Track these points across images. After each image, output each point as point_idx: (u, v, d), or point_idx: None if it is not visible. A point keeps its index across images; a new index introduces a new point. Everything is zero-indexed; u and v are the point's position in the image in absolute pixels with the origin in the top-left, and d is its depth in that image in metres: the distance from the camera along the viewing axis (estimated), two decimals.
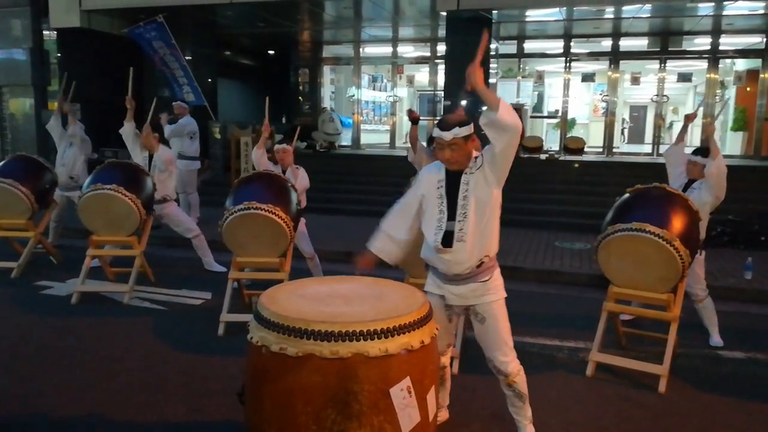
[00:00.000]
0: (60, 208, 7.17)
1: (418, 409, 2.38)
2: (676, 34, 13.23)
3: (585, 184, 10.33)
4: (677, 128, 5.12)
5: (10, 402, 3.58)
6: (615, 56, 13.61)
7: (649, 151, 14.30)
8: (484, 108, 2.66)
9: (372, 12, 12.19)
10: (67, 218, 7.30)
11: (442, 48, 13.35)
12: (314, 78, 15.64)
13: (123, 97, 6.32)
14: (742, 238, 7.92)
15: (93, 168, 5.97)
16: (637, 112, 21.28)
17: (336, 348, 2.24)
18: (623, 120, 19.59)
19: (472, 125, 2.80)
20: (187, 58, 10.70)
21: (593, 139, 15.65)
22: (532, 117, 15.58)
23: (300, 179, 5.49)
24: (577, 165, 11.12)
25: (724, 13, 11.06)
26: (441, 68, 13.51)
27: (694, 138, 15.07)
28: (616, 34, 13.21)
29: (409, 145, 5.77)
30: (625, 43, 13.43)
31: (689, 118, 5.13)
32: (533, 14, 11.84)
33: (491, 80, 11.63)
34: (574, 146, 12.63)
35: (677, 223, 3.90)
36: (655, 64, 13.89)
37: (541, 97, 16.77)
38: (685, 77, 15.30)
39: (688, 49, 13.73)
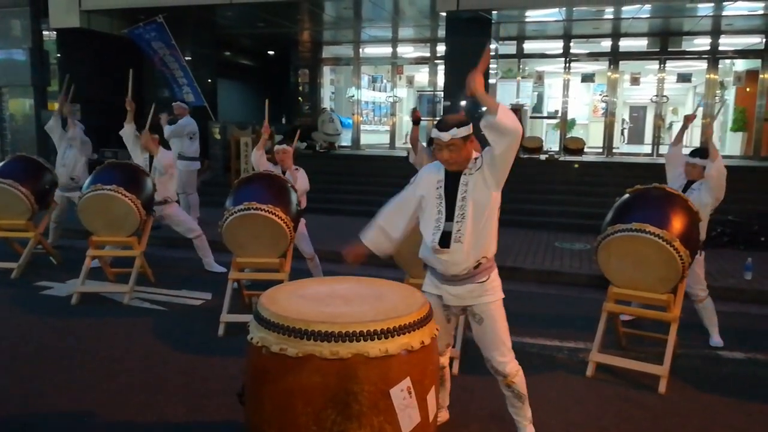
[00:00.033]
0: (60, 208, 7.17)
1: (418, 409, 2.38)
2: (675, 35, 13.24)
3: (585, 185, 10.33)
4: (677, 129, 5.15)
5: (10, 402, 3.58)
6: (615, 57, 13.61)
7: (649, 151, 14.31)
8: (485, 109, 2.67)
9: (372, 12, 12.19)
10: (67, 219, 7.29)
11: (441, 48, 13.35)
12: (314, 78, 15.65)
13: (123, 98, 6.33)
14: (742, 238, 7.92)
15: (93, 168, 5.97)
16: (637, 113, 21.29)
17: (336, 348, 2.24)
18: (623, 120, 19.61)
19: (470, 126, 2.80)
20: (186, 58, 10.71)
21: (593, 139, 15.65)
22: (531, 117, 15.59)
23: (300, 181, 5.47)
24: (576, 165, 11.12)
25: (724, 13, 11.07)
26: (441, 69, 13.51)
27: (694, 138, 15.10)
28: (616, 35, 13.22)
29: (409, 145, 5.77)
30: (625, 44, 13.44)
31: (688, 119, 5.14)
32: (533, 15, 11.84)
33: (491, 81, 11.64)
34: (573, 147, 12.63)
35: (677, 223, 3.90)
36: (654, 65, 13.89)
37: (540, 98, 16.77)
38: (684, 78, 15.31)
39: (687, 49, 13.74)
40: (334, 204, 9.92)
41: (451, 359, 3.92)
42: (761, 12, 10.97)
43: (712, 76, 13.23)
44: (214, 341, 4.64)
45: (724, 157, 4.61)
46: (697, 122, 14.04)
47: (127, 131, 6.32)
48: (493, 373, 3.03)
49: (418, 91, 17.56)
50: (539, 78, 15.68)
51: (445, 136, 2.76)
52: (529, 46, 14.37)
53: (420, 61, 15.57)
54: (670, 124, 18.47)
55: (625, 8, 10.72)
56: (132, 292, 5.60)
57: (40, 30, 12.49)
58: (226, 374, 3.96)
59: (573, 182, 10.51)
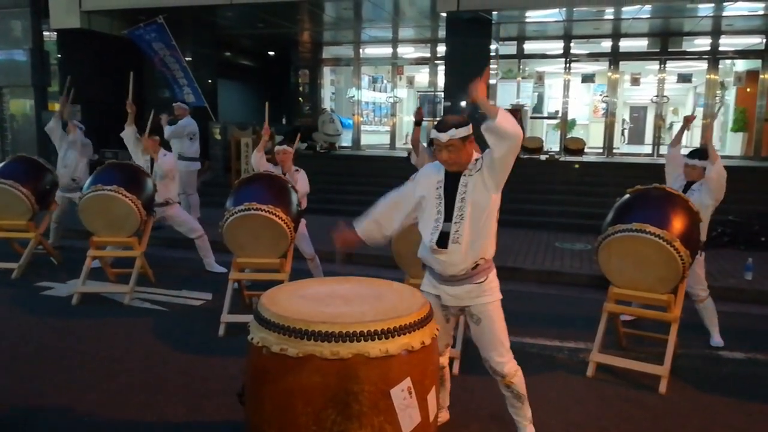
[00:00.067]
0: (61, 209, 7.17)
1: (418, 409, 2.39)
2: (676, 35, 13.24)
3: (585, 185, 10.33)
4: (677, 129, 5.17)
5: (10, 402, 3.58)
6: (615, 57, 13.61)
7: (650, 151, 14.31)
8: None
9: (372, 13, 12.19)
10: (67, 219, 7.30)
11: (442, 49, 13.36)
12: (314, 79, 15.65)
13: (123, 98, 6.34)
14: (743, 238, 7.92)
15: (94, 169, 5.98)
16: (637, 113, 21.29)
17: (336, 348, 2.24)
18: (623, 121, 19.61)
19: (470, 126, 2.80)
20: (187, 59, 10.71)
21: (593, 139, 15.66)
22: (532, 118, 15.59)
23: (300, 184, 5.44)
24: (577, 166, 11.12)
25: (724, 14, 11.07)
26: (441, 69, 13.52)
27: (695, 138, 15.10)
28: (616, 35, 13.22)
29: (410, 146, 5.77)
30: (625, 44, 13.45)
31: (688, 120, 5.17)
32: (533, 15, 11.85)
33: (491, 81, 11.64)
34: (574, 147, 12.63)
35: (677, 223, 3.90)
36: (655, 65, 13.90)
37: (541, 98, 16.78)
38: (685, 78, 15.31)
39: (688, 49, 13.74)
40: (335, 204, 9.89)
41: (452, 359, 3.92)
42: (761, 12, 10.97)
43: (712, 76, 13.23)
44: (215, 341, 4.64)
45: (725, 157, 4.63)
46: (698, 122, 14.06)
47: (128, 133, 6.37)
48: (491, 374, 3.03)
49: (418, 91, 17.58)
50: (539, 78, 15.69)
51: (444, 136, 2.77)
52: (529, 47, 14.38)
53: (420, 61, 15.58)
54: (671, 125, 18.48)
55: (625, 9, 10.73)
56: (132, 293, 5.60)
57: (41, 30, 12.50)
58: (227, 374, 3.96)
59: (573, 182, 10.51)
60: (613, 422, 3.49)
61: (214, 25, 13.01)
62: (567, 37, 13.56)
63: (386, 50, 15.58)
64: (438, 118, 11.52)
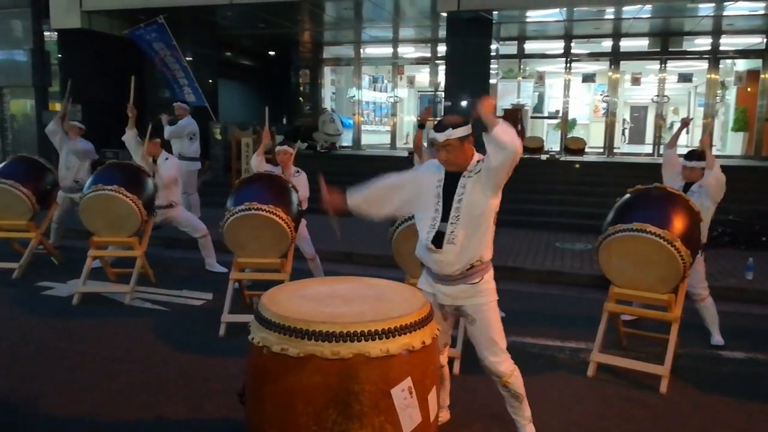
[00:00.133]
0: (62, 209, 7.17)
1: (419, 409, 2.38)
2: (676, 35, 13.24)
3: (585, 185, 10.33)
4: (677, 129, 5.22)
5: (10, 402, 3.58)
6: (615, 57, 13.61)
7: (650, 151, 14.31)
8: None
9: (372, 13, 12.20)
10: (68, 219, 7.30)
11: (442, 49, 13.36)
12: (315, 79, 15.65)
13: (123, 98, 6.35)
14: (743, 238, 7.91)
15: (95, 169, 5.99)
16: (638, 113, 21.28)
17: (337, 348, 2.24)
18: (624, 120, 19.60)
19: (468, 126, 2.80)
20: (187, 59, 10.71)
21: (594, 139, 15.65)
22: (532, 118, 15.60)
23: (300, 186, 5.40)
24: (577, 165, 11.12)
25: (725, 13, 11.07)
26: (441, 69, 13.52)
27: (695, 138, 15.09)
28: (617, 35, 13.22)
29: (410, 146, 5.76)
30: (626, 44, 13.44)
31: (685, 122, 5.23)
32: (533, 15, 11.85)
33: (492, 81, 11.64)
34: (574, 147, 12.64)
35: (678, 223, 3.90)
36: (655, 65, 13.90)
37: (541, 98, 16.78)
38: (685, 78, 15.31)
39: (688, 49, 13.74)
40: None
41: (452, 359, 3.93)
42: (762, 12, 10.97)
43: (713, 76, 13.23)
44: (215, 341, 4.64)
45: (725, 157, 4.66)
46: (698, 122, 14.07)
47: (129, 137, 6.39)
48: (487, 373, 3.03)
49: (419, 91, 17.58)
50: (540, 78, 15.70)
51: (441, 136, 2.78)
52: (529, 47, 14.38)
53: (421, 61, 15.58)
54: (671, 124, 18.49)
55: (625, 8, 10.73)
56: (133, 293, 5.60)
57: (41, 31, 12.51)
58: (227, 374, 3.96)
59: (574, 182, 10.51)
60: (614, 422, 3.49)
61: (214, 25, 13.01)
62: (567, 37, 13.56)
63: (387, 50, 15.58)
64: (438, 118, 11.54)
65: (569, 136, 14.06)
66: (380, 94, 17.43)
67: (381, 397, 2.29)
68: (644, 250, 3.86)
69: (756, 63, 13.28)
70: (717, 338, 4.72)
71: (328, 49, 15.92)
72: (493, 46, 11.61)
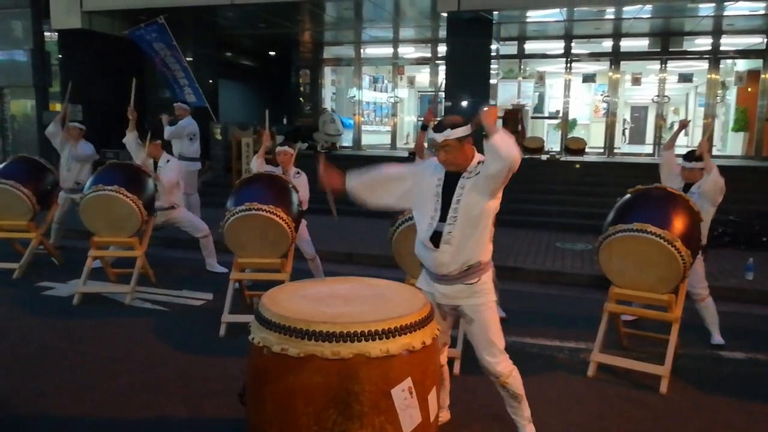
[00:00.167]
0: (63, 209, 7.18)
1: (419, 409, 2.39)
2: (676, 35, 13.24)
3: (586, 185, 10.33)
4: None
5: (11, 402, 3.58)
6: (616, 57, 13.61)
7: (650, 151, 14.31)
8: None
9: (373, 13, 12.20)
10: (68, 219, 7.30)
11: (442, 49, 13.36)
12: (315, 79, 15.66)
13: (124, 98, 6.37)
14: (743, 238, 7.91)
15: (95, 169, 6.00)
16: (638, 113, 21.29)
17: (337, 348, 2.24)
18: (624, 120, 19.60)
19: (467, 127, 2.80)
20: (188, 59, 10.71)
21: (594, 139, 15.66)
22: (532, 118, 15.60)
23: (301, 187, 5.39)
24: (578, 166, 11.12)
25: (725, 13, 11.07)
26: (442, 69, 13.52)
27: (695, 138, 15.09)
28: (617, 35, 13.22)
29: (410, 146, 5.76)
30: (626, 44, 13.44)
31: (683, 124, 5.27)
32: (534, 15, 11.85)
33: (492, 81, 11.64)
34: (575, 147, 12.63)
35: (678, 223, 3.90)
36: (655, 65, 13.90)
37: (541, 98, 16.79)
38: (686, 78, 15.32)
39: (688, 49, 13.73)
40: (336, 204, 9.91)
41: (453, 359, 3.93)
42: (762, 12, 10.96)
43: (713, 76, 13.22)
44: (215, 341, 4.64)
45: (726, 157, 4.66)
46: (698, 122, 14.07)
47: (129, 139, 6.45)
48: (486, 373, 3.03)
49: (419, 91, 17.58)
50: (540, 78, 15.70)
51: (439, 137, 2.78)
52: (530, 47, 14.38)
53: (421, 61, 15.58)
54: (672, 125, 18.50)
55: (626, 8, 10.73)
56: (133, 293, 5.60)
57: (42, 31, 12.52)
58: (227, 374, 3.96)
59: (574, 182, 10.51)
60: (614, 422, 3.49)
61: (215, 25, 13.02)
62: (568, 37, 13.56)
63: (387, 50, 15.58)
64: (438, 119, 11.54)
65: (569, 136, 14.06)
66: (380, 95, 17.43)
67: (381, 398, 2.29)
68: (645, 250, 3.86)
69: (756, 63, 13.27)
70: (717, 338, 4.72)
71: (329, 49, 15.93)
72: (494, 46, 11.61)
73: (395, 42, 15.16)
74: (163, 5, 10.60)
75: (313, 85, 15.60)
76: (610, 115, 13.97)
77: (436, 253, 2.84)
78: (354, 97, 15.55)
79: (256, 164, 5.67)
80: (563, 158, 12.19)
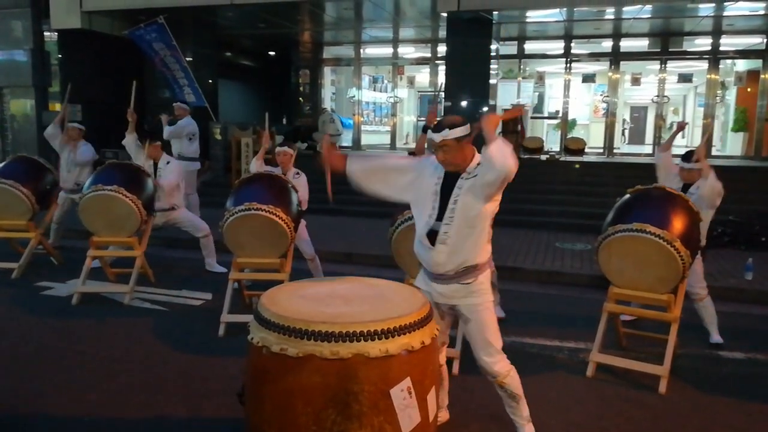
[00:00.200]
0: (62, 209, 7.18)
1: (418, 409, 2.39)
2: (676, 35, 13.25)
3: (585, 185, 10.33)
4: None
5: (10, 402, 3.58)
6: (615, 57, 13.62)
7: (650, 151, 14.30)
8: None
9: (372, 13, 12.20)
10: (68, 219, 7.30)
11: (442, 49, 13.36)
12: (315, 79, 15.66)
13: (124, 98, 6.38)
14: (743, 238, 7.91)
15: (95, 169, 6.00)
16: (638, 113, 21.30)
17: (336, 348, 2.24)
18: (624, 121, 19.61)
19: (466, 127, 2.78)
20: (187, 59, 10.71)
21: (594, 139, 15.67)
22: (532, 118, 15.61)
23: (300, 188, 5.38)
24: (577, 166, 11.12)
25: (725, 13, 11.07)
26: (442, 69, 13.52)
27: (695, 139, 15.10)
28: (617, 35, 13.22)
29: (410, 146, 5.75)
30: (626, 44, 13.45)
31: (680, 127, 5.32)
32: (534, 15, 11.86)
33: (492, 81, 11.64)
34: (574, 147, 12.63)
35: (678, 223, 3.90)
36: (655, 65, 13.91)
37: (541, 98, 16.80)
38: (685, 78, 15.33)
39: (688, 49, 13.75)
40: (335, 204, 9.85)
41: (452, 359, 3.93)
42: (762, 12, 10.97)
43: (713, 76, 13.23)
44: (215, 341, 4.64)
45: (725, 157, 4.66)
46: (698, 122, 14.07)
47: (129, 141, 6.46)
48: (483, 373, 3.03)
49: (419, 91, 17.59)
50: (540, 78, 15.71)
51: (437, 137, 2.77)
52: (530, 47, 14.39)
53: (421, 61, 15.58)
54: (671, 125, 18.51)
55: (625, 8, 10.73)
56: (132, 293, 5.60)
57: (41, 31, 12.52)
58: (227, 374, 3.96)
59: (573, 182, 10.51)
60: (614, 422, 3.49)
61: (214, 25, 13.02)
62: (567, 37, 13.56)
63: (387, 50, 15.59)
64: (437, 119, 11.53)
65: (569, 136, 14.06)
66: (380, 95, 17.44)
67: (380, 397, 2.29)
68: (644, 250, 3.86)
69: (756, 63, 13.28)
70: (716, 337, 4.72)
71: (328, 49, 15.93)
72: (493, 47, 11.62)
73: (395, 42, 15.17)
74: (162, 5, 10.60)
75: (312, 85, 15.60)
76: (610, 115, 13.97)
77: (433, 252, 2.84)
78: (353, 97, 15.56)
79: (255, 166, 5.67)
80: (563, 158, 12.19)
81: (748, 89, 13.77)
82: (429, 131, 2.83)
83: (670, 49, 13.38)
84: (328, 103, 16.29)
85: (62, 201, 7.10)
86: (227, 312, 4.83)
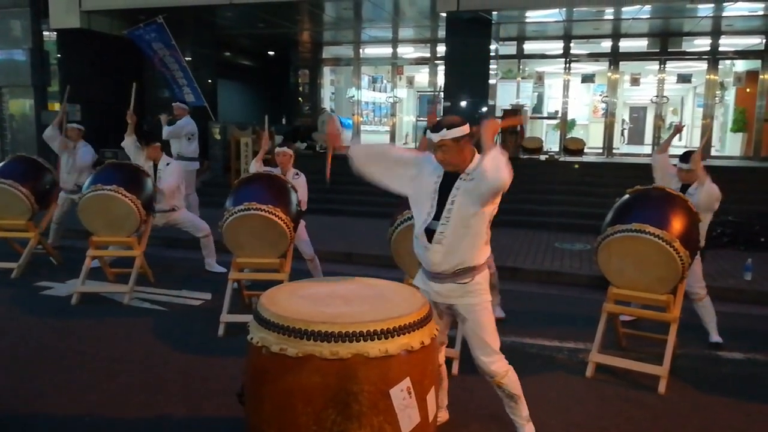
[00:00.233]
0: (62, 209, 7.17)
1: (417, 409, 2.39)
2: (675, 35, 13.25)
3: (585, 185, 10.33)
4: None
5: (10, 402, 3.58)
6: (615, 57, 13.62)
7: (649, 152, 14.30)
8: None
9: (372, 13, 12.20)
10: (67, 219, 7.30)
11: (442, 49, 13.36)
12: (314, 79, 15.66)
13: (123, 97, 6.38)
14: (742, 238, 7.92)
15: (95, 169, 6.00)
16: (637, 113, 21.30)
17: (336, 349, 2.24)
18: (623, 121, 19.62)
19: (465, 127, 2.78)
20: (186, 59, 10.70)
21: (593, 140, 15.68)
22: (531, 118, 15.60)
23: (300, 188, 5.36)
24: (577, 166, 11.13)
25: (724, 14, 11.08)
26: (441, 69, 13.52)
27: (694, 140, 15.11)
28: (616, 35, 13.23)
29: (411, 147, 5.76)
30: (625, 44, 13.45)
31: (677, 129, 5.31)
32: (533, 15, 11.86)
33: (491, 81, 11.64)
34: (574, 147, 12.64)
35: (677, 224, 3.90)
36: (654, 65, 13.92)
37: (540, 98, 16.80)
38: (684, 78, 15.33)
39: (687, 50, 13.76)
40: (335, 204, 9.92)
41: (451, 359, 3.93)
42: (761, 13, 10.97)
43: (712, 76, 13.24)
44: (214, 341, 4.64)
45: (725, 157, 4.66)
46: (697, 122, 14.08)
47: (128, 143, 6.46)
48: (480, 373, 3.03)
49: (418, 91, 17.58)
50: (539, 78, 15.70)
51: (435, 137, 2.77)
52: (529, 47, 14.39)
53: (420, 61, 15.58)
54: (670, 125, 18.51)
55: (625, 9, 10.74)
56: (132, 293, 5.59)
57: (41, 30, 12.51)
58: (226, 374, 3.96)
59: (573, 183, 10.51)
60: (613, 422, 3.49)
61: (213, 25, 13.01)
62: (567, 38, 13.57)
63: (386, 50, 15.59)
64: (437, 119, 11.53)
65: (568, 136, 14.06)
66: (379, 95, 17.44)
67: (380, 398, 2.29)
68: (643, 250, 3.86)
69: (755, 64, 13.29)
70: (715, 337, 4.72)
71: (328, 49, 15.93)
72: (493, 47, 11.62)
73: (394, 42, 15.17)
74: (162, 5, 10.59)
75: (312, 85, 15.60)
76: (609, 116, 13.98)
77: (429, 251, 2.85)
78: (353, 97, 15.56)
79: (255, 168, 5.66)
80: (562, 158, 12.19)
81: (747, 90, 13.78)
82: (428, 131, 2.84)
83: (669, 50, 13.38)
84: (327, 103, 16.30)
85: (62, 201, 7.11)
86: (227, 312, 4.83)
